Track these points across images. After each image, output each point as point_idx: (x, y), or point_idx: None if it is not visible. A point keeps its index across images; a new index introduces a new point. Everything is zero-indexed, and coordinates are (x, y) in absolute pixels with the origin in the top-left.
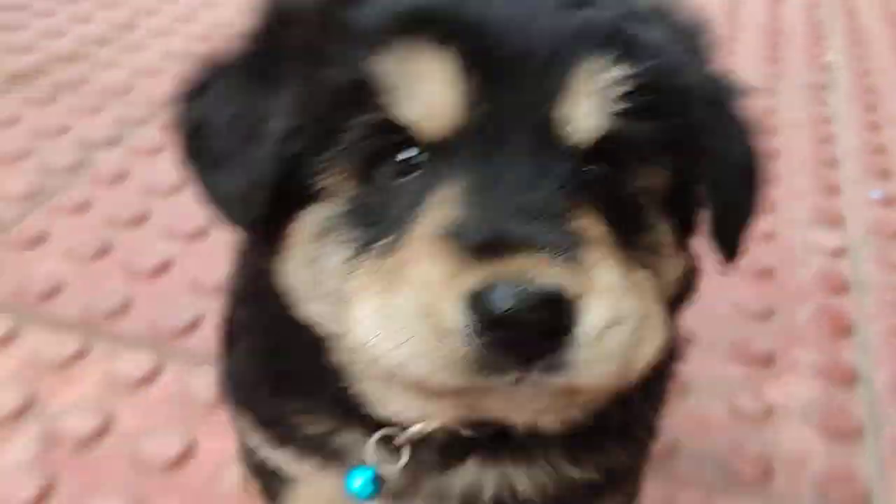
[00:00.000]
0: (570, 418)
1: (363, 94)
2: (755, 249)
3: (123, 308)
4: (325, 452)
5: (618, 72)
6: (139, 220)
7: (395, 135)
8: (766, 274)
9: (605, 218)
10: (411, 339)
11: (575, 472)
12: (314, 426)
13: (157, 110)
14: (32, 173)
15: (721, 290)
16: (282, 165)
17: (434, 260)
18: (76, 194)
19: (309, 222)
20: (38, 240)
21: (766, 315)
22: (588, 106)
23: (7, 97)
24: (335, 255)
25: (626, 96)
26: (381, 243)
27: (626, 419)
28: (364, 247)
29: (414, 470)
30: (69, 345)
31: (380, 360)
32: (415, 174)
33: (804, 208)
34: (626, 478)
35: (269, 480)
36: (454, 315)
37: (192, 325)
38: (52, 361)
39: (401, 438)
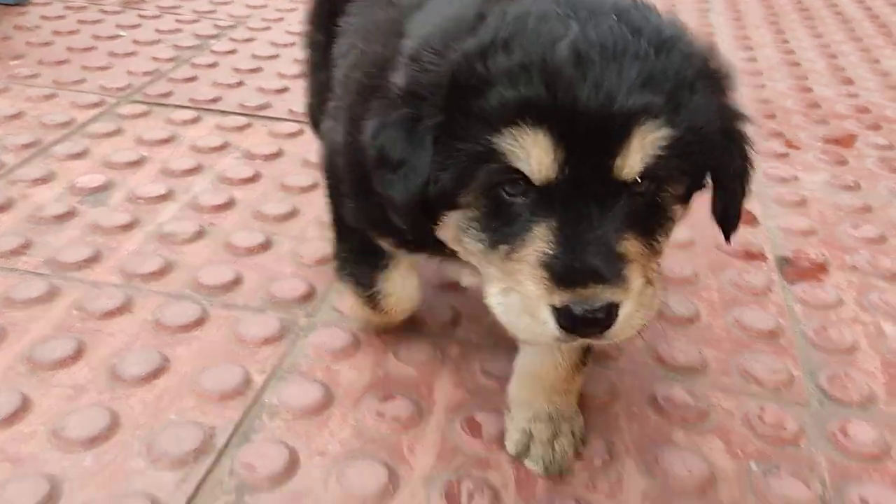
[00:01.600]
0: None
1: (491, 155)
2: None
3: None
4: (433, 249)
5: (659, 134)
6: None
7: (511, 174)
8: None
9: (640, 226)
10: (519, 321)
11: None
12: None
13: None
14: None
15: None
16: (426, 191)
17: (534, 281)
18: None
19: (456, 218)
20: None
21: None
22: (636, 158)
23: None
24: (475, 242)
25: (664, 147)
26: (503, 247)
27: None
28: (492, 245)
29: None
30: None
31: (500, 318)
32: (524, 198)
33: None
34: None
35: (363, 265)
36: (544, 317)
37: None
38: None
39: None
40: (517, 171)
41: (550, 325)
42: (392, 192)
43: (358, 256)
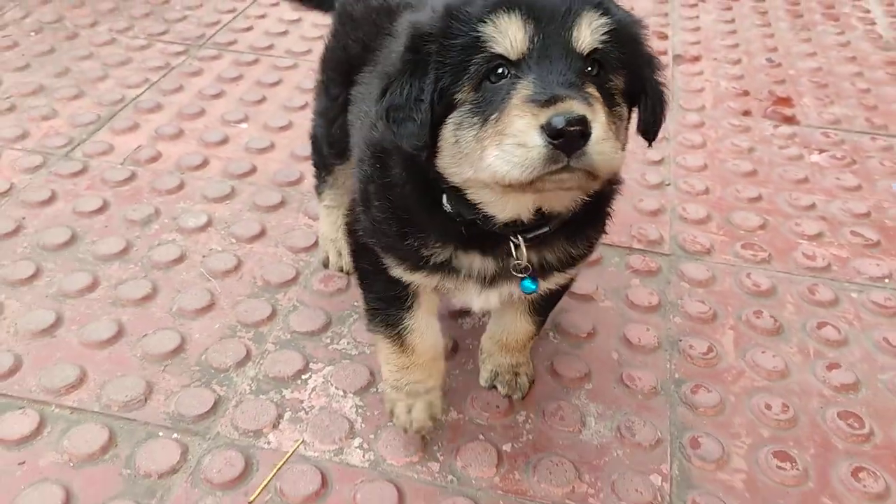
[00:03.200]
0: (575, 204)
1: (478, 45)
2: None
3: None
4: (445, 271)
5: (600, 20)
6: None
7: (494, 61)
8: None
9: (598, 94)
10: (513, 158)
11: (574, 251)
12: (438, 255)
13: None
14: None
15: None
16: (433, 112)
17: (521, 113)
18: None
19: (452, 121)
20: None
21: None
22: (585, 34)
23: None
24: (470, 132)
25: (604, 32)
26: (493, 117)
27: (592, 218)
28: (484, 122)
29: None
30: None
31: (498, 175)
32: (504, 80)
33: None
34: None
35: (391, 307)
36: (535, 139)
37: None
38: None
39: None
40: (499, 56)
41: (540, 143)
42: (407, 130)
43: (384, 301)
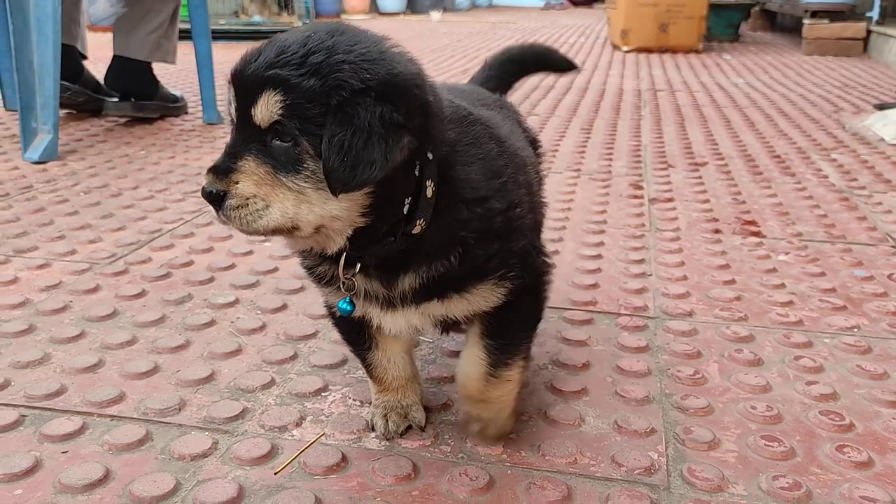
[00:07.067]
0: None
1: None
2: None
3: None
4: (324, 281)
5: (275, 98)
6: None
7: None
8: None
9: (270, 162)
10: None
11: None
12: (326, 271)
13: None
14: None
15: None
16: None
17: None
18: None
19: None
20: None
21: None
22: (263, 111)
23: None
24: None
25: (281, 107)
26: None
27: (447, 241)
28: None
29: (365, 286)
30: None
31: None
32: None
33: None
34: (490, 267)
35: (355, 348)
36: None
37: None
38: None
39: (349, 273)
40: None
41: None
42: None
43: (350, 343)
